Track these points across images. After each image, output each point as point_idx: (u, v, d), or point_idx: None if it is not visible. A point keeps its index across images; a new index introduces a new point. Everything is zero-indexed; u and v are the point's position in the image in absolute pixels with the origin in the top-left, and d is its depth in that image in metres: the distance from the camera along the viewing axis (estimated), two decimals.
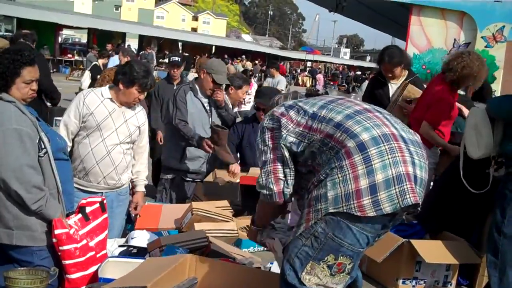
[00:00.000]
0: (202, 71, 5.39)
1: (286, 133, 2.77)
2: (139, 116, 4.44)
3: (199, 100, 5.35)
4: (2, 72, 3.25)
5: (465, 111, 5.72)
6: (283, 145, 2.77)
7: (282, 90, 12.94)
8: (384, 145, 2.57)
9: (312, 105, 2.81)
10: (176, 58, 7.51)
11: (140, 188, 4.64)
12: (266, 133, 2.85)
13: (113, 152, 4.28)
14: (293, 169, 2.81)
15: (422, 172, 2.65)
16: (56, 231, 3.19)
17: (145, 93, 4.48)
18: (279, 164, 2.80)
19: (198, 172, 5.48)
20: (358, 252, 2.66)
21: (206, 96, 5.38)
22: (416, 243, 4.22)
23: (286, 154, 2.77)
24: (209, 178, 5.60)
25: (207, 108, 5.40)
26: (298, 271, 2.62)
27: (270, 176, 2.81)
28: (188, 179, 5.48)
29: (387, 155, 2.55)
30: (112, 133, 4.26)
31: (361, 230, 2.58)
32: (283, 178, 2.80)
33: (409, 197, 2.52)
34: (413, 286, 4.32)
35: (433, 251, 4.26)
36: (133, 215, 4.63)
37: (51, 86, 6.88)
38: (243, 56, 41.41)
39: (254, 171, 5.11)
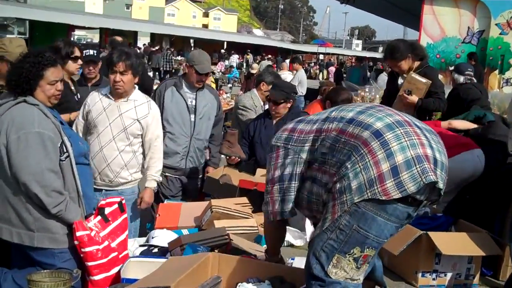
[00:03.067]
0: (185, 65, 5.38)
1: (299, 146, 2.82)
2: (140, 109, 4.42)
3: (182, 95, 5.27)
4: (25, 76, 3.26)
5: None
6: (294, 160, 2.82)
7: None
8: (400, 129, 2.60)
9: (321, 114, 2.89)
10: (91, 52, 5.60)
11: (148, 183, 4.63)
12: (273, 152, 2.92)
13: (105, 149, 4.31)
14: (298, 185, 2.83)
15: (442, 156, 2.65)
16: (78, 233, 3.21)
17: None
18: (276, 186, 2.86)
19: (176, 168, 5.36)
20: (382, 243, 2.68)
21: (194, 91, 5.33)
22: (434, 235, 4.17)
23: (296, 169, 2.81)
24: (216, 173, 5.58)
25: (191, 103, 5.29)
26: (325, 265, 2.62)
27: (268, 196, 2.91)
28: (166, 174, 5.32)
29: (404, 138, 2.57)
30: (106, 128, 4.31)
31: (386, 221, 2.58)
32: (281, 199, 2.86)
33: (431, 175, 2.52)
34: (433, 279, 4.26)
35: (452, 243, 4.20)
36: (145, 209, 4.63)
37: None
38: (248, 51, 40.97)
39: (260, 174, 5.10)
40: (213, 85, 10.86)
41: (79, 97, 5.02)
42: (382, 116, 2.66)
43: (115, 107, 4.34)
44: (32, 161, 3.13)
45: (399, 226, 2.69)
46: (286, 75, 13.31)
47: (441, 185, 2.58)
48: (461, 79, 7.01)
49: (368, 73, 21.73)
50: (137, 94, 4.54)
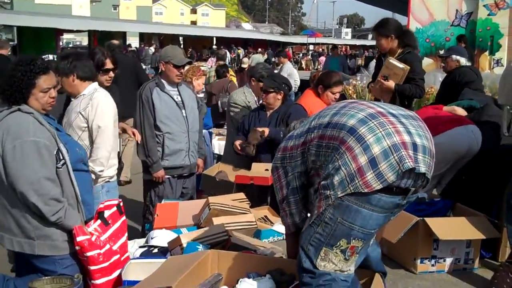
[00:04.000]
0: (161, 63, 5.34)
1: (293, 162, 2.96)
2: (83, 102, 4.24)
3: (167, 93, 5.25)
4: (17, 85, 3.24)
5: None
6: (293, 175, 2.97)
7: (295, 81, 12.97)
8: (373, 122, 2.63)
9: (306, 123, 2.98)
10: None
11: None
12: (275, 173, 3.09)
13: None
14: (302, 196, 3.02)
15: (423, 140, 2.66)
16: (78, 239, 3.21)
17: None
18: (285, 202, 3.06)
19: (183, 166, 5.35)
20: (370, 234, 2.71)
21: (175, 87, 5.33)
22: (431, 221, 4.18)
23: (296, 183, 2.99)
24: (211, 171, 5.58)
25: (177, 99, 5.29)
26: (313, 258, 2.70)
27: (282, 212, 3.13)
28: (174, 175, 5.33)
29: (378, 129, 2.60)
30: (64, 127, 4.16)
31: (371, 212, 2.61)
32: (290, 213, 3.06)
33: (408, 161, 2.54)
34: (432, 265, 4.28)
35: (449, 228, 4.22)
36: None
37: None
38: (233, 46, 40.78)
39: (255, 169, 5.14)
40: (234, 79, 10.71)
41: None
42: (354, 112, 2.71)
43: (69, 107, 4.33)
44: (29, 170, 3.12)
45: (389, 215, 2.72)
46: (288, 66, 13.38)
47: (422, 169, 2.59)
48: (463, 61, 6.96)
49: (349, 61, 21.39)
50: (88, 88, 4.33)
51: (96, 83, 4.36)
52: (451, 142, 4.82)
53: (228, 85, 9.22)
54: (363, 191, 2.55)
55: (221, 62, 11.62)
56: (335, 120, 2.74)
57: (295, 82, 13.27)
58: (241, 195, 4.69)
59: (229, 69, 11.04)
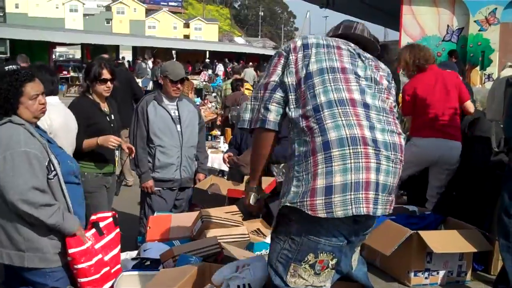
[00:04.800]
0: (160, 78, 5.40)
1: (287, 71, 2.71)
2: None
3: (164, 107, 5.27)
4: (5, 97, 3.23)
5: None
6: (282, 77, 2.72)
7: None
8: (349, 149, 2.48)
9: (317, 62, 2.70)
10: None
11: None
12: (275, 58, 2.80)
13: None
14: (284, 102, 2.72)
15: (389, 177, 2.55)
16: (70, 250, 3.18)
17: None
18: (271, 91, 2.73)
19: (173, 179, 5.31)
20: (338, 247, 2.60)
21: (174, 101, 5.34)
22: (424, 234, 4.20)
23: (286, 80, 2.70)
24: (204, 184, 5.56)
25: (174, 114, 5.28)
26: (283, 275, 2.62)
27: (254, 103, 2.80)
28: (164, 188, 5.30)
29: (350, 159, 2.47)
30: None
31: (331, 228, 2.54)
32: (272, 107, 2.72)
33: (362, 207, 2.46)
34: (426, 278, 4.29)
35: (442, 241, 4.23)
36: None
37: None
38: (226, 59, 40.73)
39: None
40: (248, 92, 10.88)
41: (112, 118, 4.82)
42: (341, 124, 2.53)
43: None
44: (19, 180, 3.10)
45: (351, 233, 2.62)
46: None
47: (371, 213, 2.51)
48: None
49: None
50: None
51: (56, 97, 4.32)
52: (424, 151, 5.16)
53: (240, 98, 9.28)
54: (306, 212, 2.47)
55: (238, 76, 11.82)
56: (324, 113, 2.55)
57: None
58: (234, 207, 4.69)
59: (247, 82, 11.23)
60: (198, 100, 14.39)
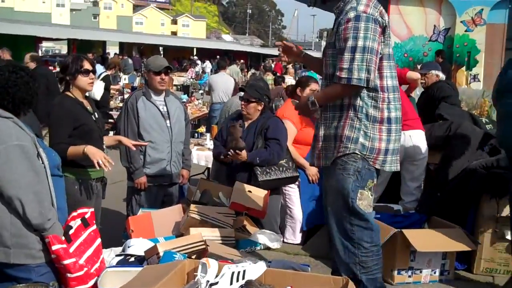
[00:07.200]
0: (144, 73, 5.45)
1: (383, 42, 3.60)
2: None
3: (153, 103, 5.28)
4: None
5: None
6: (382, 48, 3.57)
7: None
8: (397, 126, 3.64)
9: (387, 46, 3.67)
10: None
11: None
12: (371, 23, 3.47)
13: None
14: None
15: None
16: (54, 247, 3.15)
17: None
18: (374, 55, 3.46)
19: (164, 174, 5.33)
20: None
21: (162, 97, 5.35)
22: (408, 232, 4.22)
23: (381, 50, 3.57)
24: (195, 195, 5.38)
25: (163, 109, 5.31)
26: (355, 201, 3.57)
27: (364, 64, 3.44)
28: (154, 184, 5.30)
29: (396, 133, 3.65)
30: None
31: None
32: (373, 68, 3.48)
33: (396, 165, 3.73)
34: (409, 276, 4.32)
35: (426, 240, 4.26)
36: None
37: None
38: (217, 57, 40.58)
39: (238, 187, 4.82)
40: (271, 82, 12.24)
41: (96, 116, 4.49)
42: (398, 107, 3.71)
43: None
44: (15, 174, 3.08)
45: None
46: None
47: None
48: (442, 75, 7.07)
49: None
50: None
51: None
52: None
53: (282, 91, 11.14)
54: (370, 162, 3.59)
55: (269, 73, 14.08)
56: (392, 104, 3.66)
57: None
58: (227, 209, 4.63)
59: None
60: (185, 97, 14.37)
